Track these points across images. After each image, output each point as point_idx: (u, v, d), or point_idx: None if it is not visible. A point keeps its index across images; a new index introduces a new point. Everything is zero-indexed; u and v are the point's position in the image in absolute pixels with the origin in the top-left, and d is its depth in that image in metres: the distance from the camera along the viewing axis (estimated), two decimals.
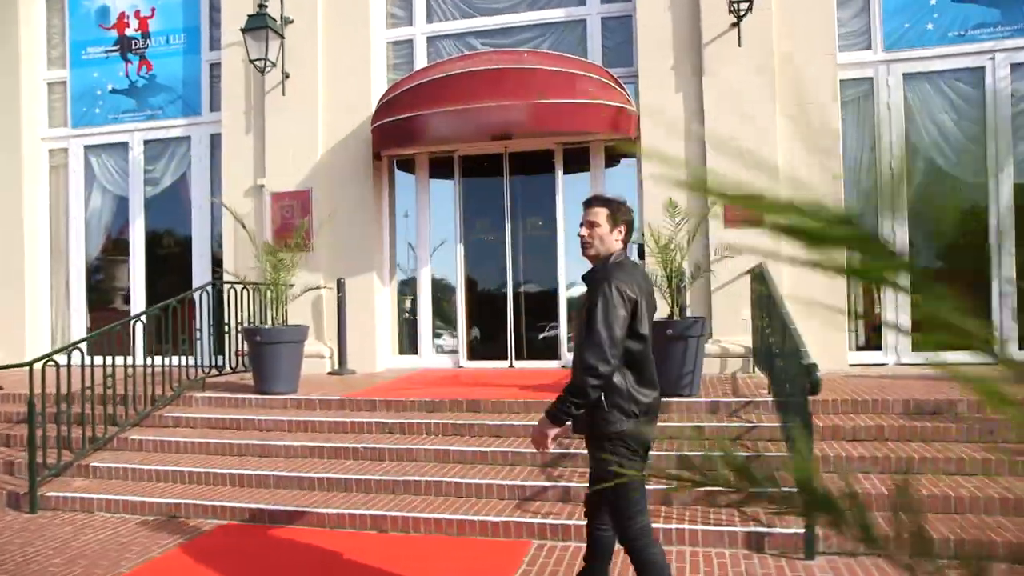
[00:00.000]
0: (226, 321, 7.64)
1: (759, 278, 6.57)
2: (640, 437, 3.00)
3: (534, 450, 3.27)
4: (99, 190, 10.15)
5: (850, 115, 8.01)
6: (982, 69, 7.73)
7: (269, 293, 7.81)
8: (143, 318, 6.69)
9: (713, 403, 6.02)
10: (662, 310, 7.62)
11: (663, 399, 5.48)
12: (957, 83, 7.81)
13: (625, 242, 3.13)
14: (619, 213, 3.11)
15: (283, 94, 8.91)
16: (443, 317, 9.18)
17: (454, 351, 9.00)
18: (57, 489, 5.62)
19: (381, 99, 8.43)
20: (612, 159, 8.74)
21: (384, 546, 4.55)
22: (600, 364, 2.88)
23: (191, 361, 7.20)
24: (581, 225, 3.14)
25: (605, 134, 8.22)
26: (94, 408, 6.10)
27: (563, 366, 8.55)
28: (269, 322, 7.95)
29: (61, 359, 5.85)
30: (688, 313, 7.77)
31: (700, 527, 4.43)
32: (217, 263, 9.51)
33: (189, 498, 5.28)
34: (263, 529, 4.90)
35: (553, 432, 3.00)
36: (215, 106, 9.61)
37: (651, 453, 3.32)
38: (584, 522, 3.49)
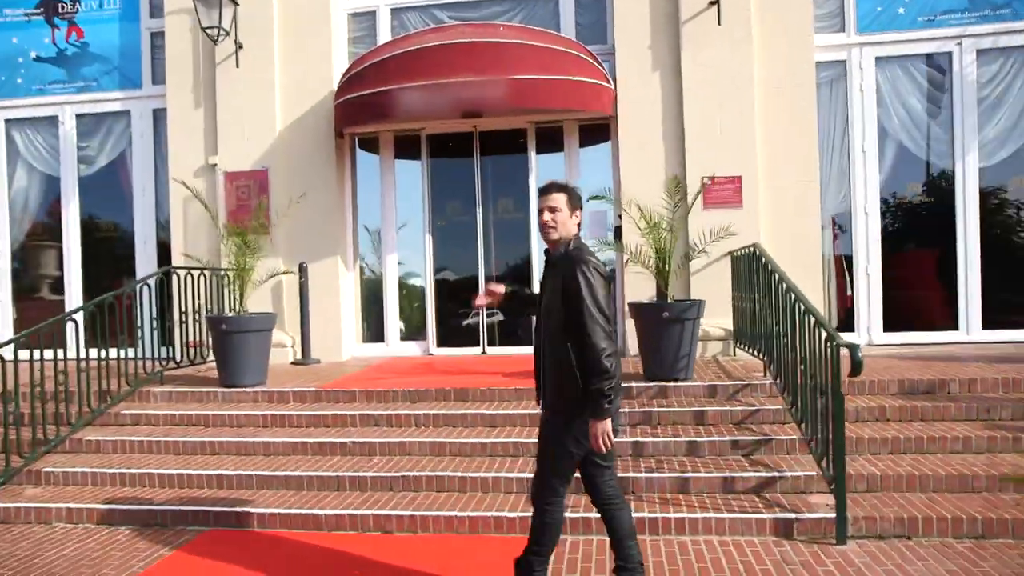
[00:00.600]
0: (182, 310, 7.05)
1: (748, 259, 6.47)
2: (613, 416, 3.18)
3: (536, 440, 3.40)
4: (24, 168, 9.28)
5: (823, 97, 8.00)
6: (949, 54, 7.85)
7: (231, 279, 7.28)
8: (102, 305, 6.05)
9: (710, 387, 5.89)
10: (649, 291, 7.54)
11: (659, 383, 5.46)
12: (926, 67, 7.91)
13: (579, 226, 3.31)
14: (576, 199, 3.30)
15: (236, 66, 8.30)
16: (411, 303, 8.80)
17: (422, 338, 8.63)
18: (6, 499, 5.02)
19: (345, 73, 7.96)
20: (586, 139, 8.51)
21: (392, 548, 4.21)
22: (609, 344, 3.05)
23: (136, 353, 6.54)
24: (541, 211, 3.27)
25: (583, 112, 7.98)
26: (44, 407, 5.48)
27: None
28: (226, 309, 7.42)
29: (5, 353, 5.22)
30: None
31: (725, 515, 4.27)
32: (163, 249, 8.83)
33: (164, 503, 4.79)
34: (254, 535, 4.48)
35: (608, 427, 3.11)
36: (158, 78, 8.89)
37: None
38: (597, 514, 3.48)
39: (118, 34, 8.98)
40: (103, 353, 6.03)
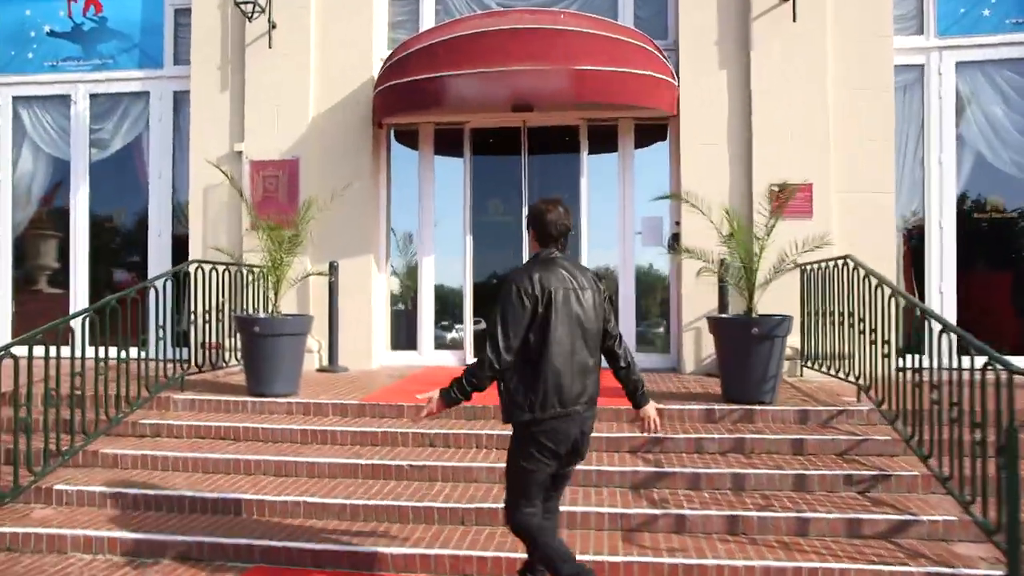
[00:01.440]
0: (205, 308, 6.39)
1: (831, 272, 5.88)
2: (549, 434, 3.11)
3: (623, 468, 3.72)
4: (31, 149, 8.59)
5: (896, 103, 7.47)
6: None
7: (259, 276, 6.64)
8: (125, 300, 5.36)
9: (801, 412, 5.31)
10: (708, 305, 6.96)
11: (744, 406, 5.09)
12: (1012, 74, 7.41)
13: (540, 242, 3.27)
14: (530, 218, 3.33)
15: (269, 47, 7.67)
16: (447, 309, 8.17)
17: (459, 348, 8.00)
18: (13, 522, 4.35)
19: (389, 59, 7.35)
20: (642, 139, 7.94)
21: None
22: (494, 358, 3.07)
23: (150, 354, 5.82)
24: None
25: (643, 110, 7.41)
26: (58, 414, 4.81)
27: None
28: (250, 309, 6.78)
29: (18, 351, 4.54)
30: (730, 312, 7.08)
31: (864, 566, 3.67)
32: (178, 243, 8.17)
33: (199, 533, 4.13)
34: None
35: (438, 408, 3.25)
36: (180, 58, 8.25)
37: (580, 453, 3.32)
38: None
39: (140, 9, 8.34)
40: (122, 354, 5.35)
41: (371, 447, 5.12)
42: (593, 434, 5.00)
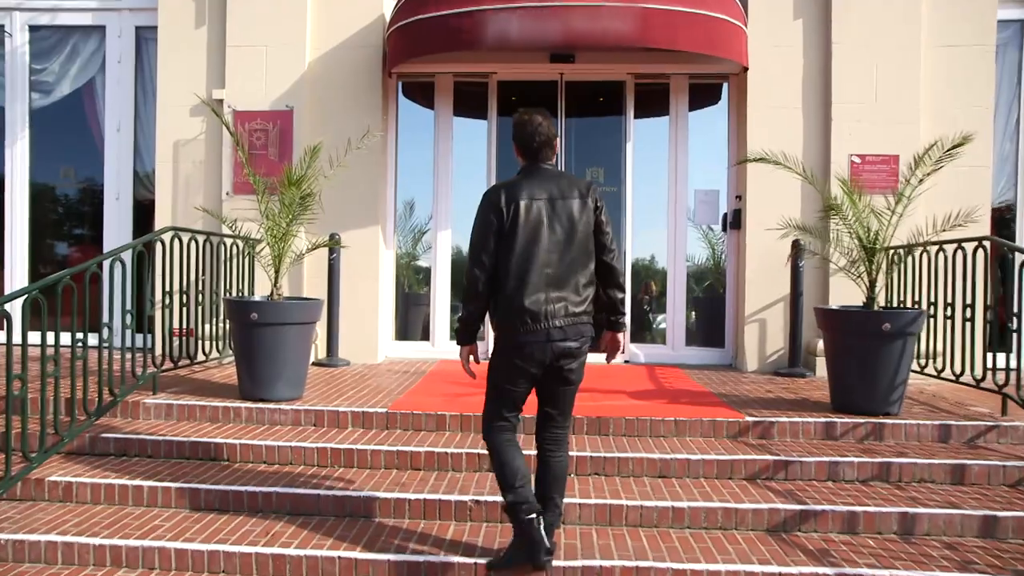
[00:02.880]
0: (182, 288, 5.09)
1: (955, 258, 4.89)
2: (523, 354, 2.94)
3: (755, 504, 3.35)
4: None
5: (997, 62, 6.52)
6: None
7: (251, 250, 5.35)
8: (83, 276, 3.99)
9: (942, 428, 4.31)
10: (853, 297, 5.86)
11: (866, 418, 4.38)
12: None
13: (524, 156, 3.12)
14: (512, 130, 3.16)
15: None
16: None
17: (480, 339, 6.82)
18: None
19: None
20: (695, 101, 6.84)
21: None
22: (474, 267, 2.99)
23: (114, 343, 4.49)
24: None
25: (714, 62, 6.29)
26: None
27: (626, 360, 6.64)
28: (235, 290, 5.50)
29: None
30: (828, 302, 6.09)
31: None
32: (141, 209, 6.80)
33: None
34: None
35: (464, 354, 3.18)
36: None
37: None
38: None
39: None
40: (79, 343, 4.04)
41: (412, 472, 3.94)
42: (697, 456, 3.98)
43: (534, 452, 3.18)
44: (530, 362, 2.93)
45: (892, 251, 4.94)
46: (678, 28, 5.68)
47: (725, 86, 6.80)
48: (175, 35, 6.50)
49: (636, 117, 6.76)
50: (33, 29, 6.91)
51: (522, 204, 2.95)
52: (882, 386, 4.42)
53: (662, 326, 6.86)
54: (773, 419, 4.39)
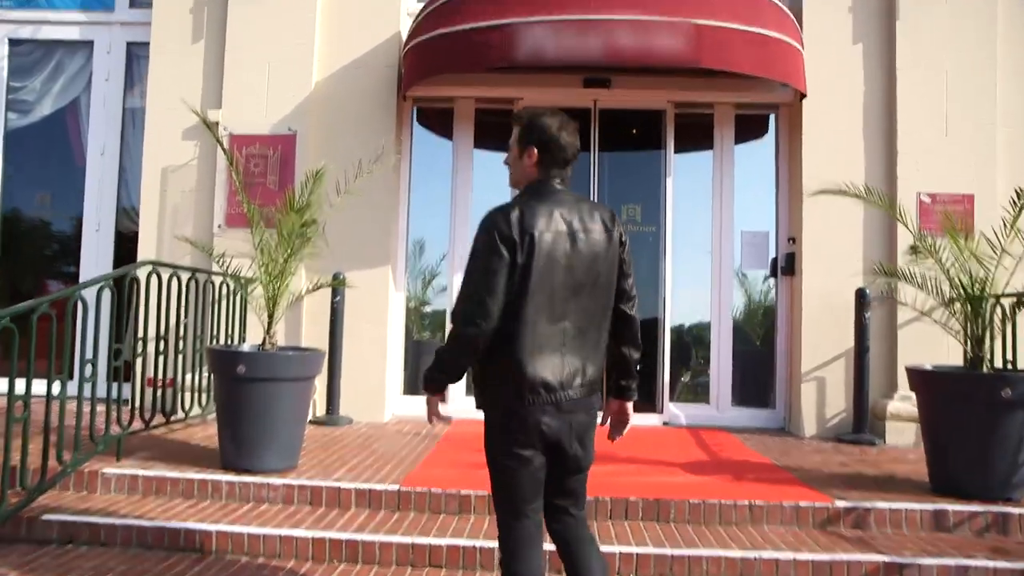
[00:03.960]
0: (160, 332, 4.33)
1: None
2: (528, 428, 2.24)
3: None
4: None
5: None
6: None
7: (242, 289, 4.62)
8: (29, 316, 3.23)
9: None
10: (930, 353, 5.11)
11: (983, 505, 3.62)
12: None
13: (541, 167, 2.37)
14: (528, 131, 2.40)
15: None
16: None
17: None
18: None
19: (428, 4, 5.46)
20: (739, 134, 6.19)
21: None
22: (474, 318, 2.23)
23: (76, 392, 3.73)
24: None
25: (760, 91, 5.71)
26: None
27: (665, 423, 5.86)
28: (225, 336, 4.75)
29: None
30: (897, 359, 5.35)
31: None
32: (124, 240, 6.09)
33: None
34: None
35: (433, 401, 2.51)
36: (139, 0, 6.24)
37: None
38: None
39: None
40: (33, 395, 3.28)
41: (431, 570, 3.14)
42: (787, 554, 3.19)
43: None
44: (537, 440, 2.26)
45: (999, 300, 4.18)
46: (733, 47, 5.05)
47: (772, 118, 6.17)
48: (169, 51, 5.88)
49: (676, 151, 6.09)
50: (14, 43, 6.30)
51: (538, 235, 2.24)
52: (1000, 466, 3.65)
53: (697, 379, 6.09)
54: (867, 504, 3.61)
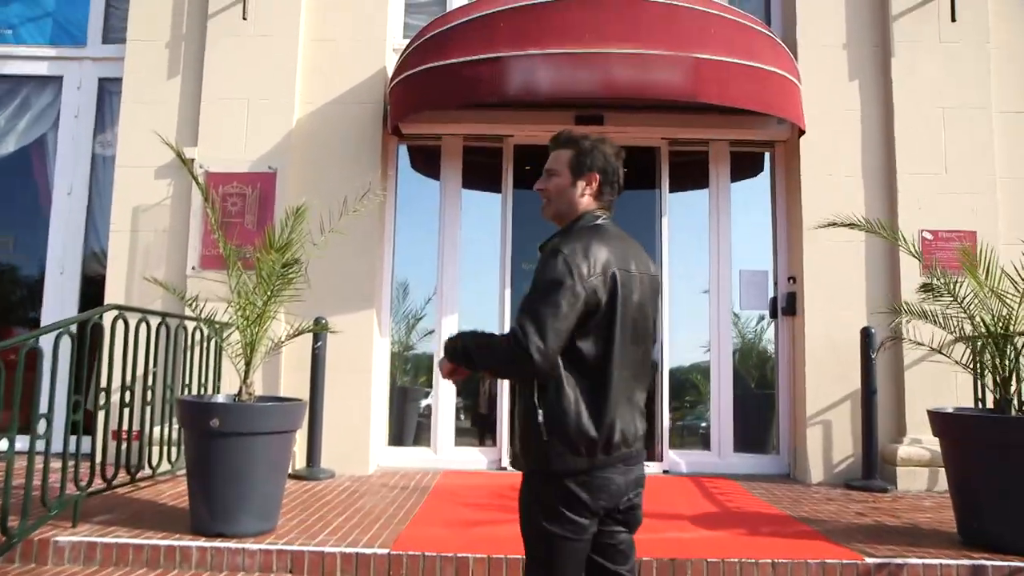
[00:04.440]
0: (126, 383, 3.99)
1: None
2: (597, 490, 1.95)
3: None
4: None
5: None
6: None
7: (215, 335, 4.30)
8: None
9: None
10: (940, 395, 4.95)
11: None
12: None
13: (600, 197, 2.16)
14: (586, 158, 2.14)
15: (243, 17, 5.53)
16: (475, 390, 5.92)
17: (490, 443, 5.72)
18: None
19: (419, 36, 5.29)
20: (734, 172, 6.05)
21: None
22: (537, 336, 1.89)
23: (38, 446, 3.36)
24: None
25: (756, 128, 5.62)
26: None
27: (665, 471, 5.57)
28: (195, 386, 4.42)
29: None
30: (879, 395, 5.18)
31: None
32: (91, 284, 5.75)
33: None
34: None
35: (448, 367, 2.13)
36: (113, 35, 6.01)
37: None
38: None
39: None
40: None
41: None
42: None
43: None
44: (603, 503, 1.97)
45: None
46: (732, 82, 4.91)
47: (767, 156, 6.05)
48: (143, 86, 5.63)
49: (671, 189, 5.92)
50: None
51: (618, 277, 1.99)
52: None
53: (697, 424, 5.82)
54: (899, 560, 3.34)
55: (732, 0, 5.74)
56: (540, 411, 1.94)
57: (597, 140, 2.17)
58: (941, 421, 3.79)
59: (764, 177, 6.07)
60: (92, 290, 5.71)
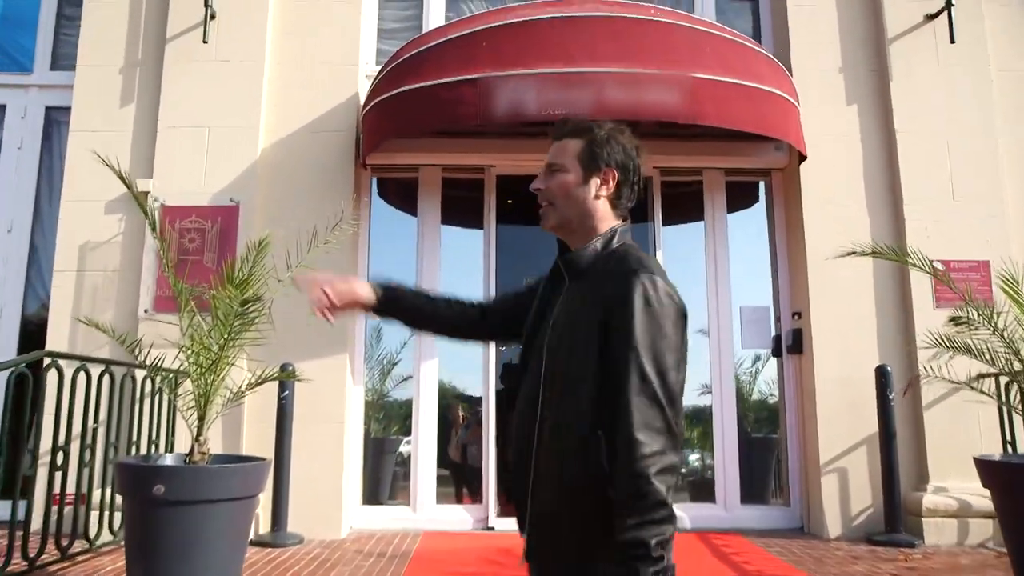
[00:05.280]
0: (56, 443, 3.45)
1: None
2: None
3: None
4: None
5: None
6: None
7: (168, 387, 3.78)
8: None
9: None
10: (985, 438, 4.59)
11: None
12: None
13: (617, 203, 1.69)
14: (605, 147, 1.67)
15: (204, 41, 5.13)
16: (456, 442, 5.42)
17: (476, 499, 5.21)
18: None
19: (395, 58, 4.93)
20: (731, 203, 5.72)
21: None
22: (665, 445, 1.41)
23: None
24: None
25: (768, 154, 5.36)
26: None
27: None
28: (144, 443, 3.88)
29: None
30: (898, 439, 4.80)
31: None
32: (34, 328, 5.20)
33: None
34: None
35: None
36: (61, 60, 5.58)
37: None
38: None
39: None
40: None
41: None
42: None
43: None
44: None
45: None
46: (733, 102, 4.60)
47: (762, 185, 5.75)
48: (93, 114, 5.18)
49: (664, 223, 5.57)
50: None
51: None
52: None
53: (699, 474, 5.37)
54: None
55: (722, 23, 5.50)
56: (593, 468, 1.45)
57: (614, 128, 1.72)
58: (992, 470, 3.40)
59: (760, 207, 5.76)
60: (33, 335, 5.16)
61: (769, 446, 5.47)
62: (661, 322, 1.48)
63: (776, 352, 5.45)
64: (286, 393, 4.68)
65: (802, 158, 5.18)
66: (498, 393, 5.25)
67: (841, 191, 5.26)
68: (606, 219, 1.67)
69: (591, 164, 1.66)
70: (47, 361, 3.39)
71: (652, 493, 1.37)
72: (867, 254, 4.02)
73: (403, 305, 1.91)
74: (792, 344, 5.29)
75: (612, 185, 1.67)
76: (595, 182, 1.66)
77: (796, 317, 5.32)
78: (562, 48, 4.42)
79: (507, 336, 1.93)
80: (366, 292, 1.85)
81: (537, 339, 1.65)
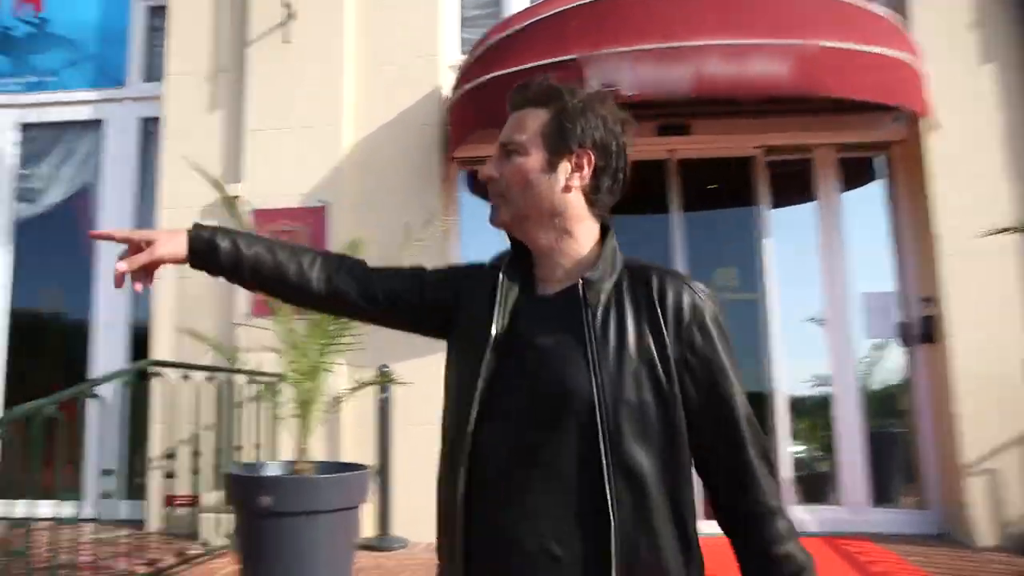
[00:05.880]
0: (165, 449, 3.44)
1: None
2: None
3: None
4: None
5: None
6: None
7: (269, 393, 3.72)
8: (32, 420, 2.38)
9: None
10: None
11: None
12: None
13: (595, 196, 1.28)
14: (577, 121, 1.25)
15: (284, 41, 5.09)
16: None
17: None
18: None
19: (481, 43, 4.75)
20: (848, 179, 5.28)
21: None
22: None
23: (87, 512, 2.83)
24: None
25: (884, 127, 4.90)
26: None
27: None
28: (247, 449, 3.83)
29: None
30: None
31: None
32: (141, 340, 5.30)
33: None
34: None
35: None
36: (153, 73, 5.66)
37: None
38: None
39: (97, 8, 5.80)
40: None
41: None
42: None
43: None
44: None
45: None
46: (851, 70, 4.18)
47: (878, 160, 5.27)
48: (184, 123, 5.24)
49: (773, 205, 5.18)
50: (25, 127, 5.71)
51: None
52: None
53: (820, 472, 4.97)
54: None
55: None
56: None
57: (593, 95, 1.30)
58: None
59: (878, 185, 5.29)
60: (141, 343, 5.25)
61: (897, 443, 5.02)
62: (733, 354, 1.25)
63: (904, 341, 4.98)
64: (385, 395, 4.58)
65: (927, 127, 4.69)
66: None
67: (977, 161, 4.74)
68: (580, 218, 1.28)
69: (559, 143, 1.25)
70: (153, 369, 3.37)
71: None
72: (1021, 230, 3.54)
73: (229, 260, 1.36)
74: (924, 332, 4.82)
75: (588, 172, 1.26)
76: (565, 168, 1.26)
77: (926, 303, 4.83)
78: (659, 21, 4.13)
79: (399, 327, 1.48)
80: (173, 247, 1.34)
81: (563, 385, 1.22)
